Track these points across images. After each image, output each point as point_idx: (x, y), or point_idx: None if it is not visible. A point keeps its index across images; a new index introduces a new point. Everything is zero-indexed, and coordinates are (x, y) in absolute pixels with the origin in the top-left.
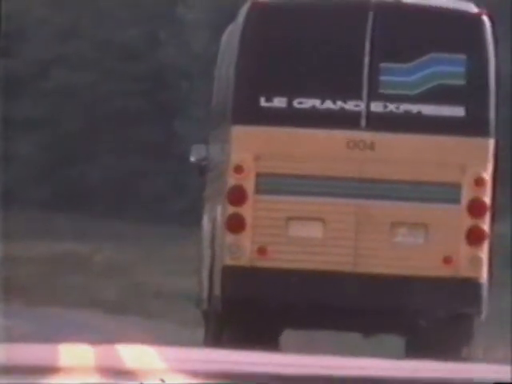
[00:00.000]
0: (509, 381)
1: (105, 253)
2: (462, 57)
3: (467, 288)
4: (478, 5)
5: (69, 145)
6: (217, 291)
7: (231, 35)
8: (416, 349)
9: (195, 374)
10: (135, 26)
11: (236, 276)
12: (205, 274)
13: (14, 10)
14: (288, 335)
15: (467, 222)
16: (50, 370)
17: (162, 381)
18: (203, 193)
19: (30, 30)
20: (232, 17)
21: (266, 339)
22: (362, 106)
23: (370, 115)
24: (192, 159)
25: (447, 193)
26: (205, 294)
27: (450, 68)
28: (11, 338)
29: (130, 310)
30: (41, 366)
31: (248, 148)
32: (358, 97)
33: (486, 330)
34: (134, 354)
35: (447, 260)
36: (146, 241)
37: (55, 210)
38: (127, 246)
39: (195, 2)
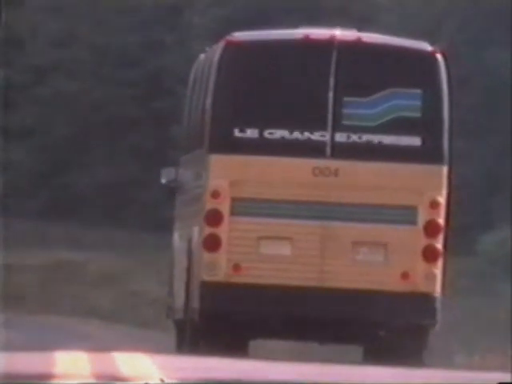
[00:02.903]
0: (510, 381)
1: (100, 261)
2: (418, 91)
3: (423, 301)
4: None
5: (65, 153)
6: (195, 304)
7: (205, 66)
8: (374, 357)
9: (189, 381)
10: (133, 32)
11: (213, 291)
12: (178, 286)
13: (10, 18)
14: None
15: (423, 241)
16: (46, 377)
17: (162, 381)
18: (174, 211)
19: (26, 38)
20: (230, 24)
21: (237, 347)
22: (327, 136)
23: (335, 145)
24: (163, 181)
25: (405, 215)
26: (179, 305)
27: (407, 102)
28: (6, 346)
29: (125, 318)
30: (36, 374)
31: (224, 175)
32: (324, 128)
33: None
34: (129, 362)
35: (405, 276)
36: (142, 249)
37: (50, 218)
38: (122, 255)
39: (192, 10)
